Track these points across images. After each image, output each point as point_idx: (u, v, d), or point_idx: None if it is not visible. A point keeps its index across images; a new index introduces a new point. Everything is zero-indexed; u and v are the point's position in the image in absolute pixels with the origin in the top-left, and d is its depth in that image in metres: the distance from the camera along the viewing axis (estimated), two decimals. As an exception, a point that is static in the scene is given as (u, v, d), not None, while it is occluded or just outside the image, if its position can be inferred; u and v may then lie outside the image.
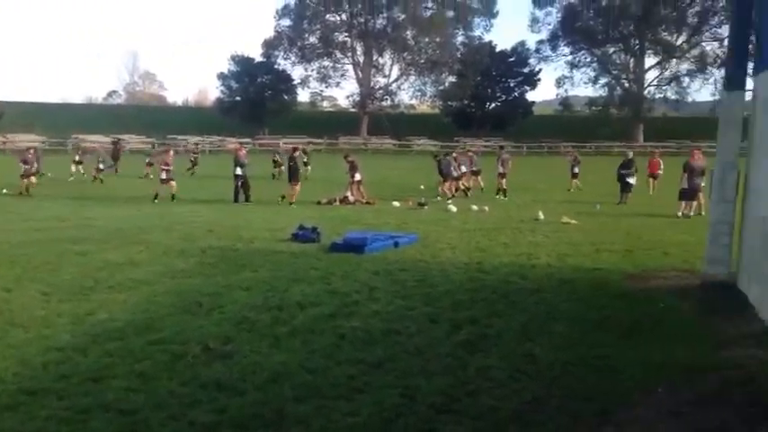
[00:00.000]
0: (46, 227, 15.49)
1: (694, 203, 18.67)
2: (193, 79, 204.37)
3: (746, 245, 9.71)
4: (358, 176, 21.72)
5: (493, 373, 6.22)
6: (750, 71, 10.38)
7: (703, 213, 17.30)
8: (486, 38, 76.82)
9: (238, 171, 21.56)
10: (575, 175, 26.75)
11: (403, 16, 71.32)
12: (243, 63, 69.95)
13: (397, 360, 6.61)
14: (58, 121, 64.13)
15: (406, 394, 5.71)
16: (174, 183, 21.78)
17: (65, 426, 5.01)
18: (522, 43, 75.36)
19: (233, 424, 5.09)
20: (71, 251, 12.34)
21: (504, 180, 24.16)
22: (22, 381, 5.91)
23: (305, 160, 21.36)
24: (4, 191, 23.62)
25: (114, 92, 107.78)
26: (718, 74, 63.37)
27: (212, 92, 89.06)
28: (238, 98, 69.08)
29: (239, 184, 21.52)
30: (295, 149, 22.74)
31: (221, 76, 70.66)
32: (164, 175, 21.70)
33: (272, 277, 10.35)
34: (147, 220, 16.72)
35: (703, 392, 5.73)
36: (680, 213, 18.28)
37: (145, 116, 72.88)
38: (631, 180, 22.06)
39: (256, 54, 72.51)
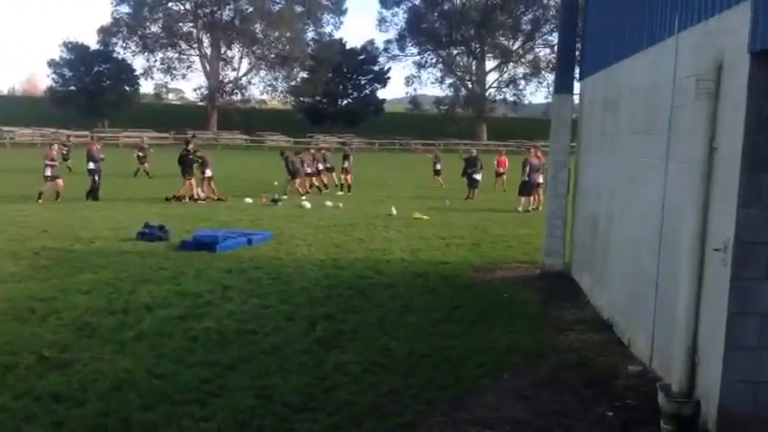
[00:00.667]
0: None
1: (532, 198, 19.99)
2: (20, 66, 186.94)
3: (577, 237, 10.58)
4: (209, 172, 21.02)
5: (349, 368, 6.28)
6: (577, 76, 11.31)
7: (541, 208, 18.59)
8: (336, 35, 77.04)
9: (91, 166, 20.08)
10: (437, 173, 27.61)
11: (251, 9, 69.86)
12: (77, 50, 64.91)
13: (252, 360, 6.47)
14: None
15: (262, 395, 5.61)
16: (60, 181, 19.72)
17: None
18: (372, 42, 76.73)
19: (73, 438, 4.73)
20: None
21: (350, 176, 24.52)
22: None
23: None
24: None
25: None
26: (551, 78, 68.49)
27: (43, 80, 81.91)
28: (73, 88, 64.15)
29: (93, 179, 20.02)
30: (188, 142, 21.61)
31: (52, 64, 65.21)
32: (48, 172, 19.44)
33: (115, 279, 9.73)
34: (-32, 220, 15.07)
35: (543, 376, 6.17)
36: (520, 208, 19.50)
37: (-38, 104, 65.68)
38: (477, 176, 23.22)
39: (92, 41, 67.68)
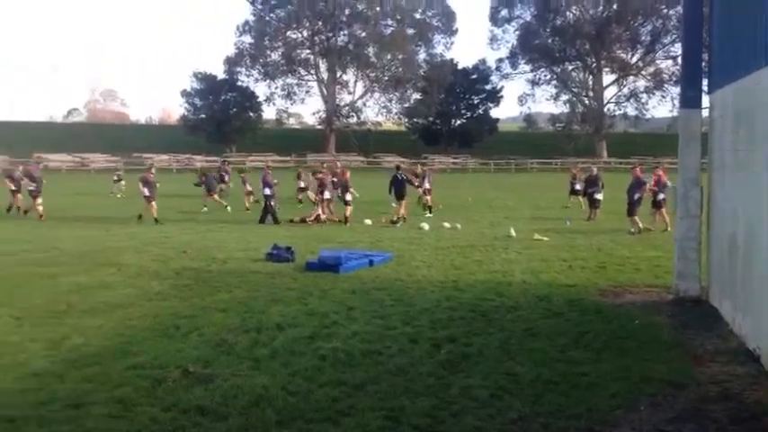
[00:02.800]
0: (10, 250, 15.07)
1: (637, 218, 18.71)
2: (156, 96, 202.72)
3: (714, 260, 9.97)
4: (327, 195, 21.68)
5: (476, 393, 6.26)
6: (705, 89, 10.72)
7: (669, 230, 17.55)
8: (448, 55, 77.67)
9: (267, 192, 21.21)
10: (575, 192, 26.22)
11: (364, 33, 71.83)
12: (206, 80, 69.44)
13: (379, 381, 6.60)
14: (20, 140, 62.64)
15: (391, 416, 5.72)
16: (154, 204, 21.14)
17: (46, 457, 4.90)
18: (484, 61, 76.77)
19: (219, 450, 5.04)
20: (40, 274, 12.07)
21: (430, 197, 24.33)
22: (0, 408, 5.75)
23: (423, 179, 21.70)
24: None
25: (75, 110, 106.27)
26: (675, 90, 65.29)
27: (176, 109, 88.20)
28: (203, 116, 68.48)
29: (269, 204, 21.17)
30: (398, 167, 22.66)
31: (185, 94, 70.03)
32: (146, 192, 21.01)
33: (248, 298, 10.26)
34: (117, 242, 16.43)
35: (684, 409, 5.85)
36: (632, 230, 18.32)
37: (108, 134, 71.86)
38: (599, 196, 22.42)
39: (219, 71, 72.07)
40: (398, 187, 21.30)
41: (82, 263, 13.38)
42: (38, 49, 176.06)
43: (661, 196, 18.58)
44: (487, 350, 7.63)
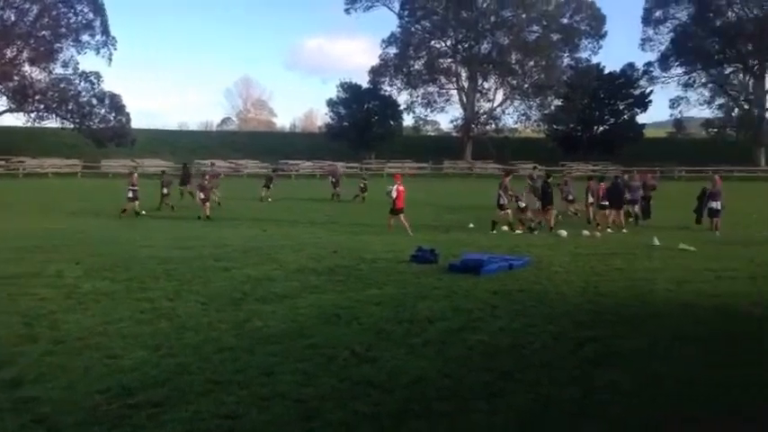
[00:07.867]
0: (188, 245, 17.07)
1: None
2: (299, 105, 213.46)
3: None
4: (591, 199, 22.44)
5: (621, 386, 6.67)
6: None
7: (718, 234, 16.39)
8: (594, 60, 75.48)
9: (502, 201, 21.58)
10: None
11: (508, 41, 71.65)
12: (351, 90, 72.29)
13: (525, 371, 7.16)
14: (180, 147, 68.72)
15: (539, 400, 6.29)
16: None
17: (252, 409, 5.96)
18: (632, 65, 73.96)
19: (389, 415, 5.87)
20: (215, 267, 13.68)
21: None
22: (206, 373, 6.95)
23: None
24: (143, 212, 26.09)
25: (228, 118, 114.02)
26: None
27: (318, 117, 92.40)
28: (346, 124, 71.36)
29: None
30: (548, 175, 23.35)
31: (330, 103, 73.36)
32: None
33: (398, 294, 11.14)
34: (274, 241, 18.04)
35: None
36: None
37: (257, 141, 76.80)
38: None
39: (364, 81, 74.83)
40: (544, 193, 21.47)
41: (248, 258, 14.91)
42: (189, 60, 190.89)
43: None
44: (631, 351, 7.92)
